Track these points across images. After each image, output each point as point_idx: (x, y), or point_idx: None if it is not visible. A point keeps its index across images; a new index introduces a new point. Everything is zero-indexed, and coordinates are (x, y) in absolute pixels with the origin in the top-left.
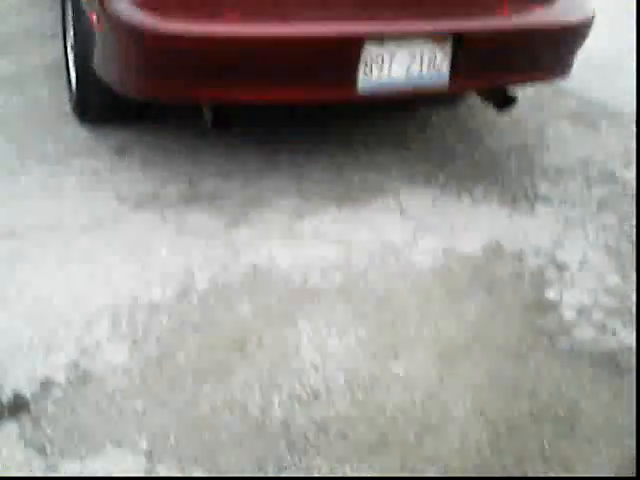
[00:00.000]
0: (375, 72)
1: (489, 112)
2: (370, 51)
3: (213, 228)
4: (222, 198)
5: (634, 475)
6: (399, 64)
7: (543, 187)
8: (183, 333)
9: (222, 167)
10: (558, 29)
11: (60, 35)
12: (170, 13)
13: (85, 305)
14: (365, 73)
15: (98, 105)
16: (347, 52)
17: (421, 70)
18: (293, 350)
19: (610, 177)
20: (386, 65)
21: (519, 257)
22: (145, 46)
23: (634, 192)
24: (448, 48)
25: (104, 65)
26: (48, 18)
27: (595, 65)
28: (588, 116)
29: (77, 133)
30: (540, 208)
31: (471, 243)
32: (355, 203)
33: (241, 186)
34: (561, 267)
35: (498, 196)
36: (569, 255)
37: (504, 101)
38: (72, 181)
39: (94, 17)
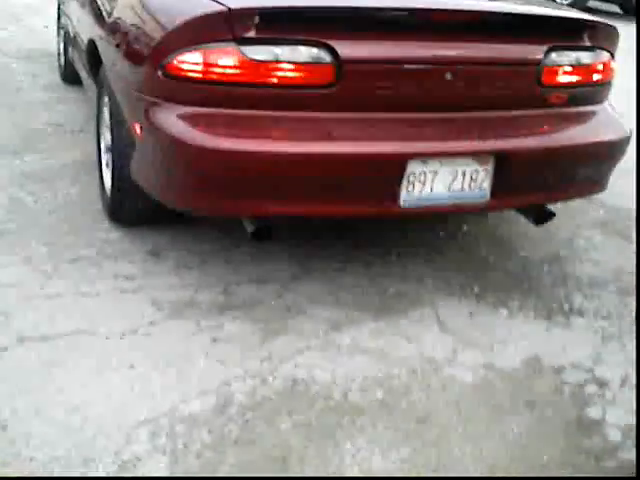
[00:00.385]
0: (417, 188)
1: (520, 220)
2: (413, 169)
3: (249, 337)
4: (257, 306)
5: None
6: (441, 181)
7: (578, 299)
8: (223, 448)
9: (256, 273)
10: (599, 146)
11: (90, 130)
12: (217, 128)
13: (123, 416)
14: (407, 190)
15: (132, 208)
16: (391, 171)
17: (462, 187)
18: (336, 469)
19: None
20: (428, 182)
21: (559, 372)
22: (192, 161)
23: None
24: (490, 166)
25: (144, 174)
26: (77, 114)
27: (619, 169)
28: (617, 224)
29: (110, 235)
30: (576, 321)
31: (510, 358)
32: (392, 314)
33: (276, 293)
34: (602, 383)
35: (534, 308)
36: (609, 371)
37: (542, 216)
38: (106, 285)
39: (136, 126)
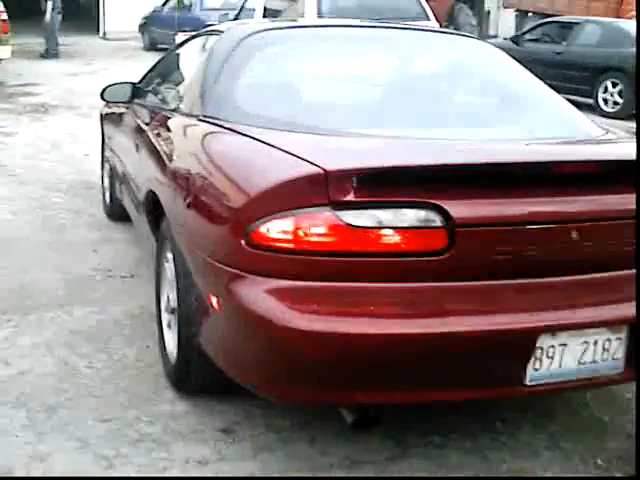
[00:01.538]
0: (545, 365)
1: None
2: (542, 344)
3: None
4: None
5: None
6: (571, 354)
7: None
8: None
9: (349, 456)
10: None
11: (142, 275)
12: (313, 306)
13: None
14: (534, 367)
15: (201, 377)
16: (518, 348)
17: (594, 359)
18: None
19: None
20: (557, 357)
21: None
22: (284, 345)
23: None
24: (624, 334)
25: (220, 351)
26: (126, 257)
27: None
28: None
29: (175, 407)
30: None
31: None
32: None
33: None
34: None
35: None
36: None
37: None
38: (177, 474)
39: (213, 299)
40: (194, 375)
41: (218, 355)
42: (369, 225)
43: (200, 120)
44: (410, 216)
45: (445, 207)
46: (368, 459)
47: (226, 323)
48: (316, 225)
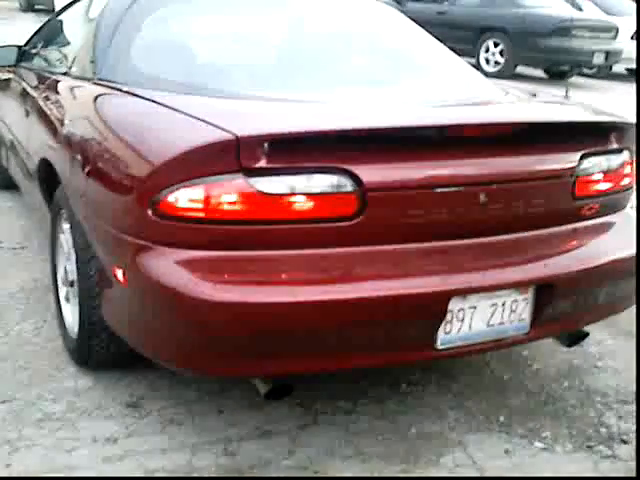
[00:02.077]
0: (455, 328)
1: None
2: (453, 307)
3: None
4: (269, 468)
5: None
6: (480, 316)
7: (612, 420)
8: None
9: (260, 426)
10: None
11: (33, 248)
12: (226, 276)
13: None
14: (445, 331)
15: (105, 351)
16: (430, 312)
17: (502, 321)
18: None
19: None
20: (467, 319)
21: None
22: (198, 318)
23: None
24: (530, 294)
25: (129, 327)
26: (15, 227)
27: None
28: (622, 323)
29: (79, 383)
30: (621, 450)
31: None
32: (422, 463)
33: (288, 451)
34: None
35: (570, 438)
36: None
37: (577, 338)
38: (85, 453)
39: (117, 271)
40: (97, 349)
41: (124, 330)
42: (281, 192)
43: (95, 83)
44: (322, 182)
45: (356, 172)
46: (278, 429)
47: (133, 296)
48: (227, 193)
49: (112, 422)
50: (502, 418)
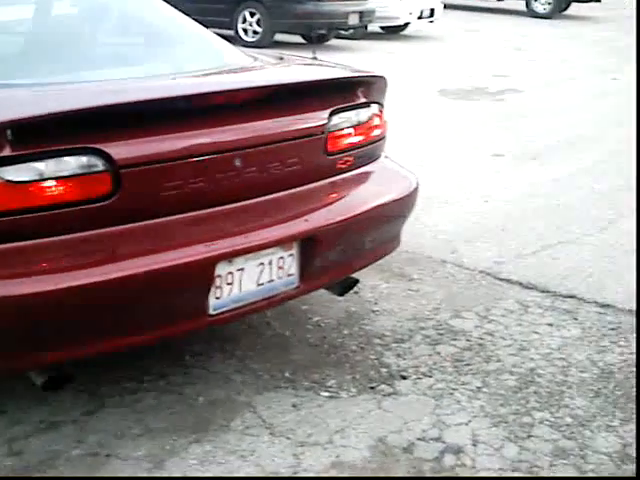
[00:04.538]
0: (225, 291)
1: None
2: (220, 272)
3: None
4: (58, 460)
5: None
6: (249, 277)
7: (392, 359)
8: None
9: (45, 419)
10: (397, 203)
11: None
12: None
13: None
14: (216, 296)
15: None
16: (196, 280)
17: (271, 278)
18: None
19: (448, 331)
20: (236, 281)
21: (410, 451)
22: None
23: (478, 342)
24: (295, 250)
25: None
26: None
27: None
28: (392, 266)
29: None
30: (401, 385)
31: (356, 449)
32: (213, 430)
33: (77, 440)
34: (456, 451)
35: (354, 383)
36: (456, 433)
37: (347, 286)
38: None
39: None
40: None
41: None
42: (31, 179)
43: None
44: (72, 164)
45: (106, 150)
46: (65, 418)
47: None
48: None
49: None
50: (287, 374)
